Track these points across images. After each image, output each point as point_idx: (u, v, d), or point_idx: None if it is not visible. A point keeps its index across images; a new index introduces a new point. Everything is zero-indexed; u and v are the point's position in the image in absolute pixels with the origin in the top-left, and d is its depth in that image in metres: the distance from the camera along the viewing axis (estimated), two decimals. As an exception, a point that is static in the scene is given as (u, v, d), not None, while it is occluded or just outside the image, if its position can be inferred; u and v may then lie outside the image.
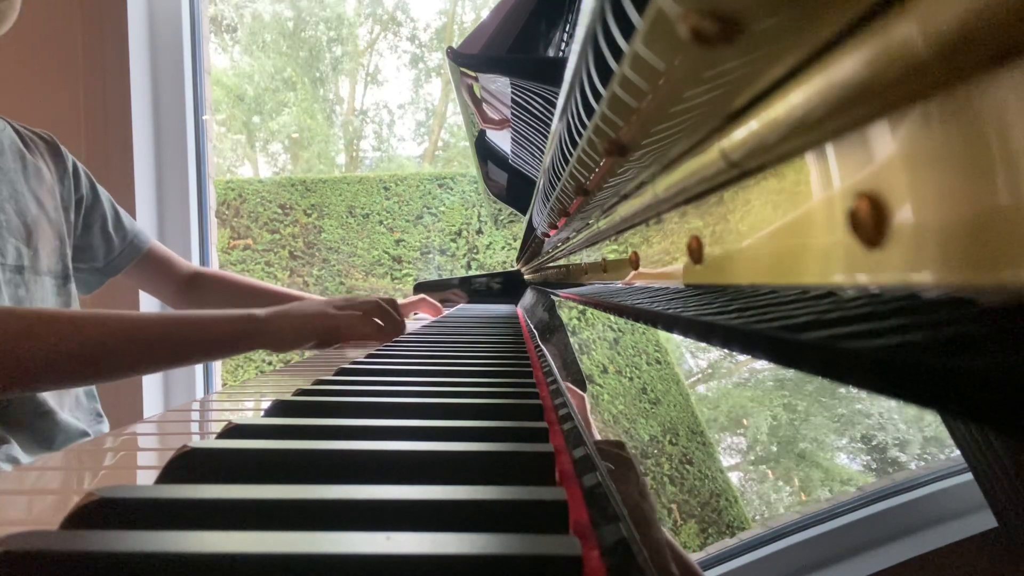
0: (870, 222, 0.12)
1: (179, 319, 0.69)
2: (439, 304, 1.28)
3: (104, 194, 1.00)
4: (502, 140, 0.93)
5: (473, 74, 0.71)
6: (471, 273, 3.78)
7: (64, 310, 0.65)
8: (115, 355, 0.65)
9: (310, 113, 6.58)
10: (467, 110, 0.95)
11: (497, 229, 3.99)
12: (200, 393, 1.61)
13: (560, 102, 0.33)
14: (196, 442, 0.25)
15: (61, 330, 0.62)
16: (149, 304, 1.46)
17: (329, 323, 0.74)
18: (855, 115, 0.12)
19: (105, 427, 0.92)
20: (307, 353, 0.77)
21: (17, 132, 0.89)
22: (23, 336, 0.60)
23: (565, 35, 0.68)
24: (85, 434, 0.85)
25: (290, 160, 6.81)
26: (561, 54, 0.69)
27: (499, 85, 0.66)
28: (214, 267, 1.68)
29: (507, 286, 1.73)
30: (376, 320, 0.78)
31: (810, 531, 1.28)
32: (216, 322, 0.70)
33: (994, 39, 0.08)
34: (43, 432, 0.80)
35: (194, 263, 1.59)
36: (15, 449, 0.75)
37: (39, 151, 0.91)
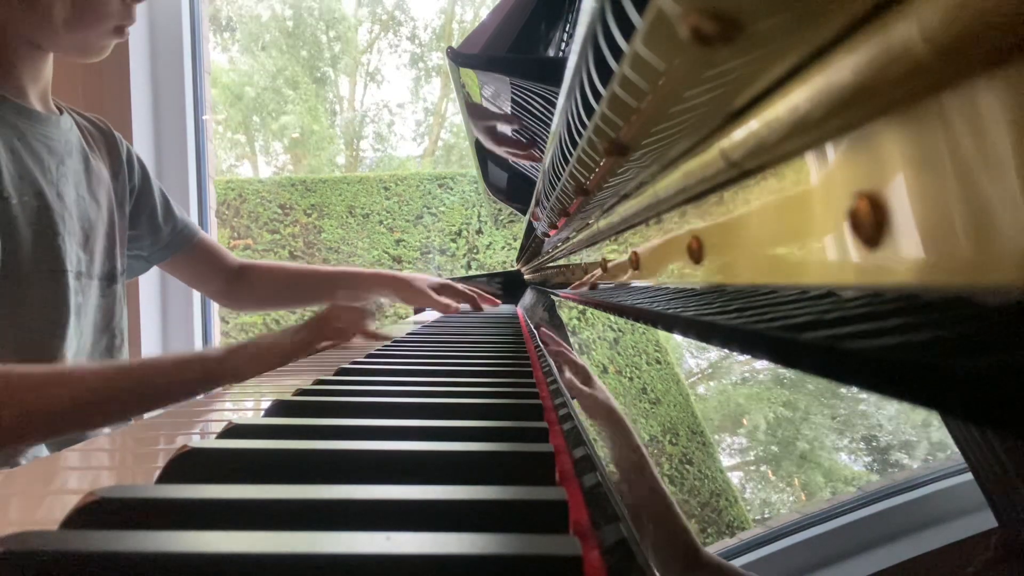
0: (870, 222, 0.12)
1: (125, 371, 0.64)
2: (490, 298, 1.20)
3: (156, 183, 0.98)
4: (502, 140, 0.93)
5: (470, 77, 0.71)
6: (471, 273, 3.78)
7: (8, 370, 0.58)
8: (56, 421, 0.59)
9: (310, 113, 6.58)
10: (467, 110, 0.95)
11: (497, 229, 3.99)
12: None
13: (560, 102, 0.33)
14: (196, 442, 0.25)
15: (14, 395, 0.56)
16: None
17: (283, 352, 0.70)
18: (855, 115, 0.12)
19: None
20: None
21: (78, 126, 0.86)
22: None
23: (565, 35, 0.68)
24: None
25: (290, 160, 6.81)
26: (561, 54, 0.69)
27: (498, 86, 0.66)
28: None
29: (507, 286, 1.73)
30: (321, 333, 0.76)
31: (810, 531, 1.28)
32: (167, 370, 0.65)
33: (994, 39, 0.08)
34: (78, 440, 0.79)
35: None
36: (43, 452, 0.75)
37: (95, 144, 0.89)
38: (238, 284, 1.07)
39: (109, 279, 0.88)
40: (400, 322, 1.23)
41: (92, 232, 0.83)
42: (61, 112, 0.84)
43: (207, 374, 0.66)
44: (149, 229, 0.97)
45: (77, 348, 0.79)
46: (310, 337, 0.73)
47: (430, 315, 1.30)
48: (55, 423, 0.60)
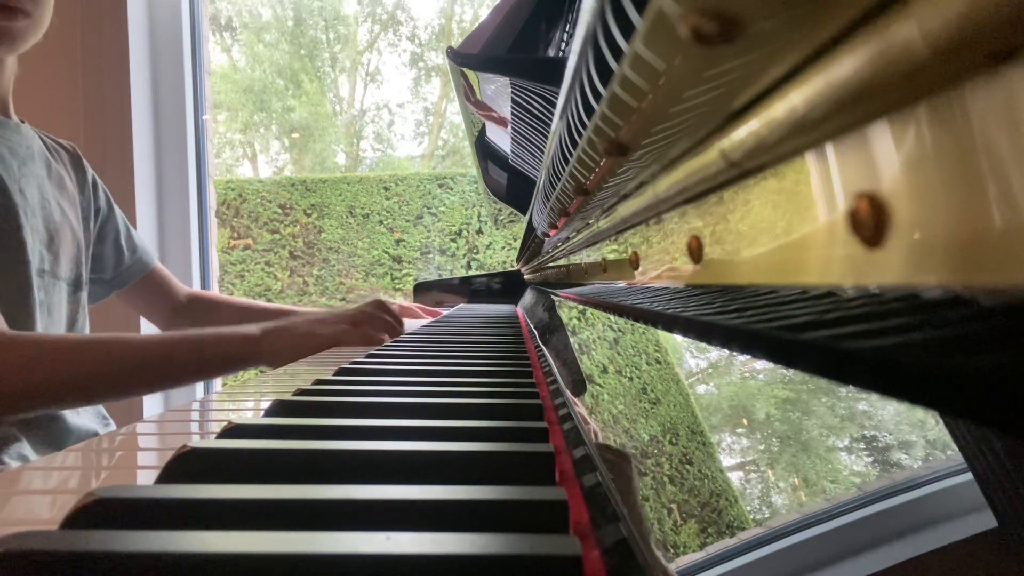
0: (870, 222, 0.12)
1: (175, 340, 0.69)
2: (432, 310, 1.30)
3: (118, 210, 1.03)
4: (502, 140, 0.93)
5: (471, 75, 0.71)
6: (471, 273, 3.78)
7: (63, 336, 0.65)
8: (111, 381, 0.65)
9: (310, 113, 6.58)
10: (467, 110, 0.95)
11: (497, 229, 3.99)
12: (200, 393, 1.61)
13: (560, 102, 0.33)
14: (196, 442, 0.25)
15: (59, 359, 0.63)
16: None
17: (321, 341, 0.74)
18: (855, 115, 0.12)
19: (112, 428, 0.92)
20: None
21: (43, 141, 0.90)
22: (20, 368, 0.61)
23: (565, 35, 0.68)
24: (95, 435, 0.85)
25: (290, 160, 6.81)
26: (561, 54, 0.69)
27: (498, 86, 0.66)
28: (214, 267, 1.68)
29: (507, 286, 1.73)
30: (366, 327, 0.78)
31: (810, 531, 1.28)
32: (212, 343, 0.70)
33: (994, 39, 0.08)
34: (54, 434, 0.80)
35: (194, 263, 1.60)
36: (25, 447, 0.75)
37: (62, 160, 0.92)
38: (185, 314, 1.10)
39: (75, 285, 0.90)
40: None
41: (57, 235, 0.85)
42: (23, 123, 0.87)
43: (245, 349, 0.71)
44: (114, 251, 1.00)
45: None
46: (344, 337, 0.76)
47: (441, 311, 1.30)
48: (108, 384, 0.66)
